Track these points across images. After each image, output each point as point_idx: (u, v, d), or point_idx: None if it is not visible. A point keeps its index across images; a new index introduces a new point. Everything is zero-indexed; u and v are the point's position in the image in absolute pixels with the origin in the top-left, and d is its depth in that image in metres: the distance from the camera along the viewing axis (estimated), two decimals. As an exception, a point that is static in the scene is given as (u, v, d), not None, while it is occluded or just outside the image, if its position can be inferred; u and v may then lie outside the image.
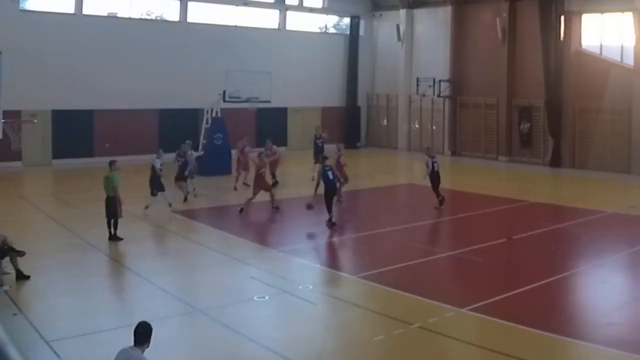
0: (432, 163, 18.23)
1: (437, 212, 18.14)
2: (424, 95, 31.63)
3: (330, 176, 15.76)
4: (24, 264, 11.09)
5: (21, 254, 11.04)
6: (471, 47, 30.66)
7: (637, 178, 23.61)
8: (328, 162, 16.53)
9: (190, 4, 29.29)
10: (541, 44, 26.72)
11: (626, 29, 24.68)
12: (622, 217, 17.07)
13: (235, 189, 20.63)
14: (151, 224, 15.92)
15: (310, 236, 15.41)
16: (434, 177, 18.28)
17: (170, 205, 17.20)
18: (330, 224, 15.34)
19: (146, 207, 16.72)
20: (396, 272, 12.09)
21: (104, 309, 10.05)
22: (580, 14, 26.29)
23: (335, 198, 16.28)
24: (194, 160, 19.84)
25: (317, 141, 23.05)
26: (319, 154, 22.41)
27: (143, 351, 5.94)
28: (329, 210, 15.44)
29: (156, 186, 17.01)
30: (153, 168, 17.09)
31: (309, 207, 15.95)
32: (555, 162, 26.80)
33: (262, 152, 19.09)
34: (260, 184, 17.26)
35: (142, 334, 5.99)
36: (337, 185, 16.27)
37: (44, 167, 25.33)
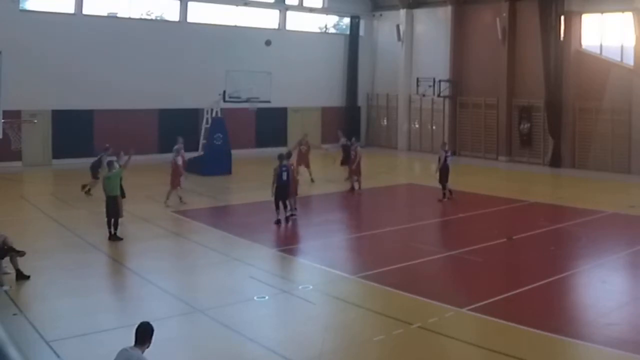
0: (445, 157, 19.00)
1: (437, 212, 18.16)
2: (424, 95, 31.63)
3: (284, 177, 15.70)
4: (24, 264, 11.08)
5: (21, 254, 11.03)
6: (471, 47, 30.66)
7: (637, 178, 23.62)
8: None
9: (190, 4, 29.29)
10: (541, 44, 26.73)
11: (626, 29, 24.68)
12: (622, 217, 17.07)
13: None
14: (151, 224, 15.91)
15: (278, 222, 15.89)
16: (444, 170, 18.93)
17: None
18: (278, 223, 15.64)
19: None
20: (396, 272, 12.09)
21: (104, 309, 10.05)
22: (580, 14, 26.29)
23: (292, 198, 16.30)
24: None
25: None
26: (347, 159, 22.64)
27: (143, 351, 5.92)
28: (277, 207, 15.67)
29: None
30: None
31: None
32: (555, 162, 26.80)
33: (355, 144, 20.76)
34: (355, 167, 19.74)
35: (143, 334, 5.98)
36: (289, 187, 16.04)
37: (44, 167, 25.33)
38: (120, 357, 5.84)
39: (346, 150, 22.43)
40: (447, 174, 19.02)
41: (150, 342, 6.00)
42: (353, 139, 22.06)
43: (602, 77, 25.46)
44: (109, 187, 14.12)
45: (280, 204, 15.75)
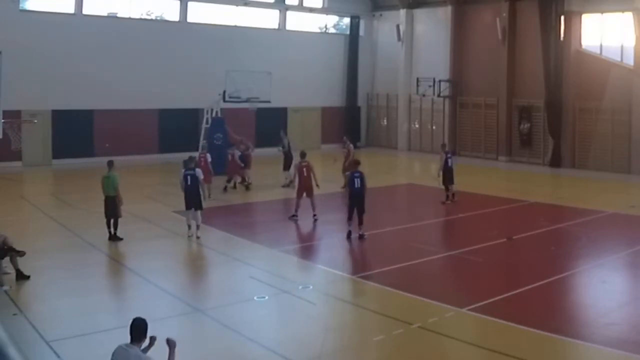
0: (447, 159, 18.77)
1: (437, 212, 18.15)
2: (424, 95, 31.63)
3: (357, 184, 14.35)
4: (24, 264, 11.08)
5: (21, 254, 11.03)
6: (471, 47, 30.66)
7: (637, 178, 23.61)
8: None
9: (190, 4, 29.29)
10: (541, 44, 26.73)
11: (626, 29, 24.68)
12: (622, 217, 17.07)
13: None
14: (151, 224, 15.91)
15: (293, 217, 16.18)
16: (447, 172, 18.76)
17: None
18: (348, 236, 14.38)
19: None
20: (396, 272, 12.09)
21: (104, 308, 10.04)
22: (580, 14, 26.28)
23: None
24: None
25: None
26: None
27: (140, 347, 5.83)
28: (350, 218, 14.34)
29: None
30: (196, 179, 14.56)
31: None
32: (555, 162, 26.80)
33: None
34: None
35: (138, 330, 5.85)
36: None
37: (44, 167, 25.33)
38: (118, 356, 5.76)
39: (287, 155, 22.04)
40: (451, 176, 18.87)
41: (146, 337, 5.86)
42: (344, 137, 22.71)
43: (602, 77, 25.45)
44: (108, 187, 14.10)
45: (356, 214, 14.35)
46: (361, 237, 14.32)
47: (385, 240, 14.96)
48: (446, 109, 31.56)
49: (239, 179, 20.99)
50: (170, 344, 5.79)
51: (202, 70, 28.19)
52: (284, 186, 21.19)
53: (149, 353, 5.91)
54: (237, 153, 20.69)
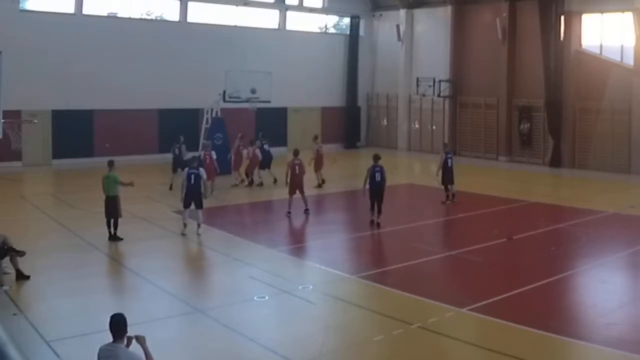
0: (447, 159, 18.74)
1: (437, 212, 18.16)
2: (424, 95, 31.65)
3: (377, 178, 15.40)
4: (24, 264, 11.08)
5: (21, 254, 11.03)
6: (471, 47, 30.67)
7: (637, 178, 23.62)
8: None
9: (190, 4, 29.30)
10: (541, 44, 26.73)
11: (626, 29, 24.68)
12: (622, 217, 17.07)
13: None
14: (151, 224, 15.91)
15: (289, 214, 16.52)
16: (447, 173, 18.72)
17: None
18: (371, 224, 15.52)
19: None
20: (396, 272, 12.10)
21: (104, 309, 9.99)
22: (580, 14, 26.29)
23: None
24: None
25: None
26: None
27: (125, 344, 5.68)
28: (372, 208, 15.52)
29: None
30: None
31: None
32: (555, 162, 26.81)
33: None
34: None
35: (118, 325, 5.71)
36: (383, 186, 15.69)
37: (44, 167, 25.34)
38: (106, 358, 5.60)
39: (263, 153, 21.96)
40: (451, 176, 18.85)
41: (126, 332, 5.72)
42: (316, 136, 23.07)
43: (602, 77, 25.45)
44: (108, 187, 14.10)
45: (376, 204, 15.53)
46: (378, 224, 15.42)
47: (385, 240, 14.98)
48: (446, 109, 31.57)
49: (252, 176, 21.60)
50: (140, 339, 5.67)
51: (202, 70, 28.19)
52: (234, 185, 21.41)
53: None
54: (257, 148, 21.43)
